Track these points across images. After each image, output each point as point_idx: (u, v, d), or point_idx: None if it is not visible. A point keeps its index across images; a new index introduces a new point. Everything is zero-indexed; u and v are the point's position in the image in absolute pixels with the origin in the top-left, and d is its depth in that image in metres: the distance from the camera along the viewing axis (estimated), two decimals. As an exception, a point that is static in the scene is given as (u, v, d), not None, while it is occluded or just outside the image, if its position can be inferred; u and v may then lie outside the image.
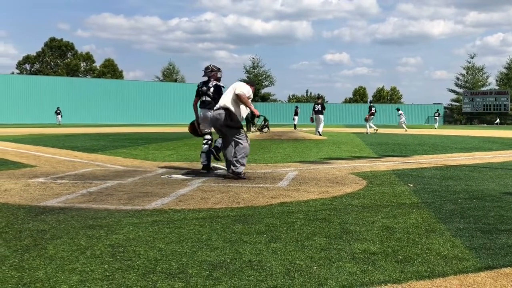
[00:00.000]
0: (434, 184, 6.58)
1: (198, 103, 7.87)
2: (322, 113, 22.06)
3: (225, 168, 7.35)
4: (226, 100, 7.04)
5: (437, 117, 44.96)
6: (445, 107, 78.46)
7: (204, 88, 7.72)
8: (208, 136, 7.80)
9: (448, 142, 18.03)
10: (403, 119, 32.78)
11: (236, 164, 6.88)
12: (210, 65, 7.87)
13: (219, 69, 7.88)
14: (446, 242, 3.64)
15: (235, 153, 6.95)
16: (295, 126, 36.45)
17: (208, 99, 7.64)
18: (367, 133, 25.79)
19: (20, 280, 2.75)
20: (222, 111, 6.96)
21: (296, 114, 38.02)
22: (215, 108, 7.11)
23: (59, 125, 41.88)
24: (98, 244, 3.48)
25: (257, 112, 7.15)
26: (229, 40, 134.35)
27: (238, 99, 6.97)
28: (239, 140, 7.00)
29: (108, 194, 5.56)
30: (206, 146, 7.71)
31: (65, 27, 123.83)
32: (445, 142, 18.01)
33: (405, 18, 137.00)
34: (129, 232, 3.82)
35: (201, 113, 7.79)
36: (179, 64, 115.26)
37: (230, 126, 6.93)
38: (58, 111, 47.03)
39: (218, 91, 7.62)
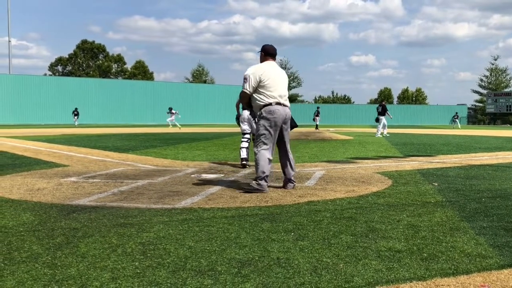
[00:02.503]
0: (458, 183, 6.55)
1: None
2: (383, 114, 23.54)
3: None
4: (288, 100, 6.26)
5: (457, 119, 47.67)
6: (469, 108, 77.77)
7: None
8: (247, 136, 8.70)
9: (472, 142, 17.84)
10: (171, 118, 33.14)
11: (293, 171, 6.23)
12: None
13: None
14: (470, 240, 3.65)
15: (290, 163, 6.21)
16: (317, 126, 36.51)
17: None
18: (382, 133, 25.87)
19: (52, 277, 2.81)
20: (290, 111, 6.22)
21: (317, 114, 38.11)
22: (278, 102, 6.01)
23: (75, 126, 40.56)
24: (129, 242, 3.56)
25: None
26: (257, 42, 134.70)
27: None
28: (289, 145, 6.33)
29: (139, 193, 5.68)
30: (246, 144, 8.66)
31: (96, 29, 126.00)
32: (468, 142, 17.82)
33: (430, 21, 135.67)
34: (160, 230, 3.90)
35: (244, 114, 8.75)
36: (209, 65, 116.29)
37: (291, 127, 6.35)
38: (76, 112, 46.97)
39: None
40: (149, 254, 3.26)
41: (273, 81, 5.99)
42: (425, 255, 3.26)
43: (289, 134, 6.32)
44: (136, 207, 4.87)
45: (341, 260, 3.13)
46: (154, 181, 6.70)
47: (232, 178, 7.01)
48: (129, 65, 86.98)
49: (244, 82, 5.98)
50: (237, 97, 8.49)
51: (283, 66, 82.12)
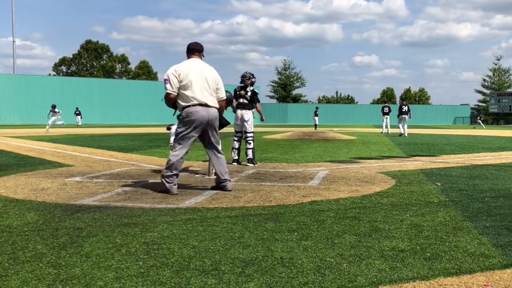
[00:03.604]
0: (461, 183, 6.55)
1: (235, 104, 9.11)
2: (406, 114, 23.88)
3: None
4: (214, 100, 5.88)
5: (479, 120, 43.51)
6: (472, 108, 77.44)
7: (243, 92, 9.12)
8: (239, 134, 9.11)
9: (475, 142, 17.80)
10: (53, 119, 30.05)
11: (227, 176, 5.89)
12: (247, 73, 9.15)
13: (253, 75, 9.18)
14: (473, 239, 3.66)
15: (222, 166, 5.92)
16: (315, 126, 36.69)
17: (246, 101, 9.08)
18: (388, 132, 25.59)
19: (57, 277, 2.82)
20: (216, 111, 5.88)
21: (316, 114, 38.37)
22: (199, 102, 5.70)
23: (78, 127, 38.52)
24: (133, 241, 3.58)
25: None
26: (261, 42, 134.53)
27: (221, 106, 6.01)
28: (219, 149, 6.09)
29: (143, 193, 5.70)
30: (237, 143, 9.15)
31: (100, 29, 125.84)
32: (472, 142, 17.78)
33: (433, 21, 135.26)
34: (163, 230, 3.92)
35: (238, 113, 9.14)
36: (212, 65, 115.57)
37: (220, 128, 6.12)
38: (78, 112, 44.75)
39: (253, 95, 9.12)
40: (153, 254, 3.27)
41: (193, 80, 5.62)
42: (428, 254, 3.26)
43: (217, 134, 6.00)
44: (140, 207, 4.89)
45: (345, 259, 3.14)
46: (158, 180, 6.70)
47: (236, 178, 7.03)
48: (133, 65, 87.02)
49: (165, 83, 5.65)
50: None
51: (287, 66, 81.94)
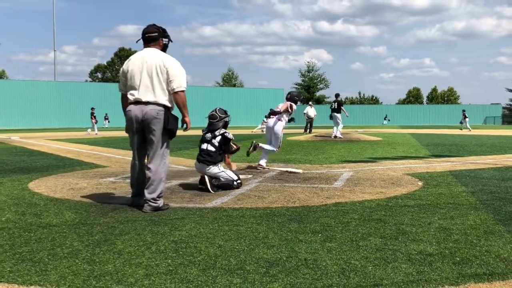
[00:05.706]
0: (493, 185, 6.41)
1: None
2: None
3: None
4: (158, 95, 4.78)
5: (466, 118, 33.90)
6: (503, 107, 75.35)
7: (209, 135, 6.42)
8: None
9: (507, 143, 17.16)
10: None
11: (157, 200, 4.80)
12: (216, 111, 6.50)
13: (226, 113, 6.47)
14: (505, 244, 3.57)
15: (151, 179, 4.82)
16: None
17: (212, 148, 6.30)
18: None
19: (91, 273, 2.95)
20: (161, 109, 4.77)
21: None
22: (134, 99, 4.82)
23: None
24: (163, 240, 3.67)
25: (189, 124, 5.07)
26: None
27: (176, 100, 4.85)
28: (165, 159, 4.92)
29: (172, 193, 5.83)
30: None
31: (132, 38, 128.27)
32: (504, 143, 17.17)
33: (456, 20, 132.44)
34: (191, 229, 4.00)
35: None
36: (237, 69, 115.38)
37: (170, 133, 4.88)
38: (94, 115, 40.64)
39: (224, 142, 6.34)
40: (181, 252, 3.36)
41: (131, 74, 4.83)
42: (458, 259, 3.22)
43: (156, 140, 4.81)
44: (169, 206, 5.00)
45: (370, 262, 3.14)
46: (186, 181, 6.83)
47: (260, 179, 7.07)
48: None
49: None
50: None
51: (311, 68, 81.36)
